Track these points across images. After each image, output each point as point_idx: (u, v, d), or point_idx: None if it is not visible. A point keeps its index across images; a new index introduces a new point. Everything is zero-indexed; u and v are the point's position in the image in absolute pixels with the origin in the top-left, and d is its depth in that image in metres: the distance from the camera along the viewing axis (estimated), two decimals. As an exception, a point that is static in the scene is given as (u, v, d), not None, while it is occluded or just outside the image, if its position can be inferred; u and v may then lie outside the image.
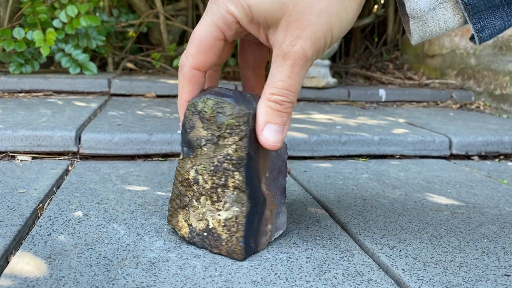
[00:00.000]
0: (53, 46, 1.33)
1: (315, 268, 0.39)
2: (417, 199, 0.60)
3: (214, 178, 0.39)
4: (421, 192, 0.63)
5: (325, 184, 0.65)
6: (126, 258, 0.40)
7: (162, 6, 1.73)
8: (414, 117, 1.18)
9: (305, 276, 0.38)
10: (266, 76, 0.39)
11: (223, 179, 0.38)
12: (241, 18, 0.35)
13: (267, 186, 0.41)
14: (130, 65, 1.69)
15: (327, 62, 1.46)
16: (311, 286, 0.37)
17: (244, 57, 0.43)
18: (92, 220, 0.48)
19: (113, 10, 1.75)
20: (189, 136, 0.39)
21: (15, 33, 1.29)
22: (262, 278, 0.37)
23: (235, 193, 0.38)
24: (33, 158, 0.73)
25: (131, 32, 1.77)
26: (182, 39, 1.87)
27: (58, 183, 0.61)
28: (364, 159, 0.83)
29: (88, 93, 1.28)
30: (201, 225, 0.40)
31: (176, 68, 1.65)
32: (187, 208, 0.41)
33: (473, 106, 1.43)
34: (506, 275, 0.40)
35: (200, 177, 0.39)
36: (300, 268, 0.39)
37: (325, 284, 0.37)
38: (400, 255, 0.43)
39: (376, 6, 1.98)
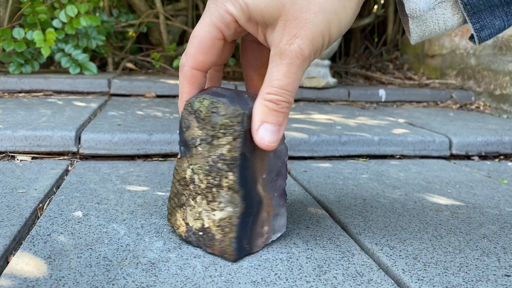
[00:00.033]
0: (53, 46, 1.33)
1: (315, 269, 0.39)
2: (417, 199, 0.60)
3: (209, 178, 0.39)
4: (421, 192, 0.63)
5: (325, 184, 0.65)
6: (126, 258, 0.40)
7: (162, 6, 1.73)
8: (414, 117, 1.18)
9: (305, 276, 0.38)
10: None
11: (217, 179, 0.38)
12: (239, 17, 0.35)
13: (264, 187, 0.40)
14: (130, 65, 1.69)
15: (327, 62, 1.46)
16: (311, 286, 0.37)
17: (246, 56, 0.43)
18: (92, 220, 0.48)
19: (113, 10, 1.75)
20: (185, 135, 0.40)
21: (15, 33, 1.29)
22: (262, 279, 0.37)
23: (229, 193, 0.38)
24: (33, 158, 0.73)
25: (131, 32, 1.77)
26: (182, 39, 1.87)
27: (58, 183, 0.61)
28: (364, 159, 0.83)
29: (88, 93, 1.28)
30: (198, 225, 0.40)
31: (176, 68, 1.65)
32: (184, 207, 0.41)
33: (473, 106, 1.43)
34: (506, 275, 0.40)
35: (196, 177, 0.39)
36: (300, 269, 0.39)
37: (325, 285, 0.37)
38: (400, 255, 0.43)
39: (376, 6, 1.98)
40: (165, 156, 0.78)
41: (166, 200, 0.55)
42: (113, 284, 0.35)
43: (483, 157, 0.91)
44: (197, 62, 0.38)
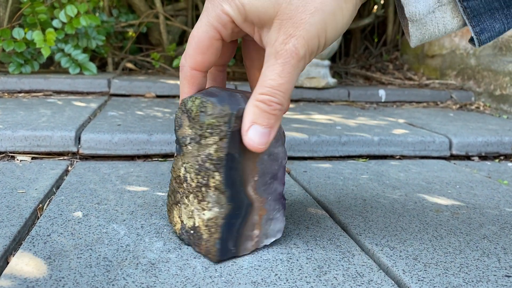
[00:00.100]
0: (53, 46, 1.33)
1: (315, 269, 0.39)
2: (417, 199, 0.60)
3: (199, 177, 0.39)
4: (421, 192, 0.63)
5: (325, 185, 0.65)
6: (126, 259, 0.40)
7: (162, 6, 1.73)
8: (414, 117, 1.18)
9: (306, 277, 0.38)
10: None
11: (205, 178, 0.38)
12: (236, 17, 0.34)
13: (256, 189, 0.40)
14: (129, 65, 1.68)
15: (327, 62, 1.46)
16: (312, 287, 0.36)
17: (249, 56, 0.42)
18: (92, 221, 0.48)
19: (113, 10, 1.75)
20: (177, 134, 0.40)
21: (14, 33, 1.29)
22: (262, 279, 0.37)
23: (216, 193, 0.38)
24: (32, 158, 0.73)
25: (130, 32, 1.77)
26: (182, 39, 1.87)
27: (57, 184, 0.61)
28: (364, 160, 0.83)
29: (88, 93, 1.28)
30: (190, 223, 0.40)
31: (176, 68, 1.65)
32: (179, 205, 0.42)
33: (473, 107, 1.43)
34: (506, 276, 0.40)
35: (188, 175, 0.40)
36: (300, 269, 0.39)
37: (325, 285, 0.37)
38: (400, 255, 0.43)
39: (376, 7, 1.98)
40: (165, 156, 0.78)
41: (166, 201, 0.55)
42: (113, 285, 0.35)
43: (483, 157, 0.91)
44: (196, 62, 0.37)
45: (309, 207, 0.55)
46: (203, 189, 0.38)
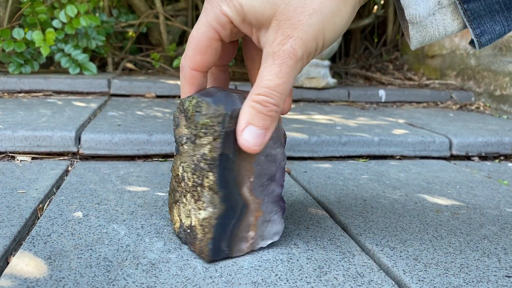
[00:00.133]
0: (52, 46, 1.33)
1: (315, 269, 0.39)
2: (417, 200, 0.60)
3: (194, 176, 0.39)
4: (421, 193, 0.63)
5: (326, 185, 0.65)
6: (126, 259, 0.40)
7: (162, 6, 1.73)
8: (414, 117, 1.18)
9: (306, 277, 0.38)
10: None
11: (200, 178, 0.38)
12: (234, 18, 0.34)
13: (251, 191, 0.40)
14: (129, 65, 1.68)
15: (327, 62, 1.46)
16: (312, 287, 0.36)
17: (250, 56, 0.42)
18: (92, 221, 0.48)
19: (113, 10, 1.75)
20: (175, 133, 0.40)
21: (14, 33, 1.29)
22: (262, 279, 0.37)
23: (210, 193, 0.38)
24: (32, 158, 0.73)
25: (130, 32, 1.77)
26: (182, 39, 1.87)
27: (58, 184, 0.60)
28: (364, 160, 0.83)
29: (88, 93, 1.28)
30: (188, 222, 0.40)
31: (176, 68, 1.65)
32: (178, 203, 0.42)
33: (473, 107, 1.43)
34: (507, 276, 0.40)
35: (185, 175, 0.40)
36: (300, 269, 0.39)
37: (325, 285, 0.37)
38: (400, 256, 0.43)
39: (376, 7, 1.98)
40: (165, 156, 0.78)
41: (167, 201, 0.55)
42: (113, 285, 0.35)
43: (483, 157, 0.91)
44: (195, 63, 0.38)
45: (309, 207, 0.55)
46: (199, 188, 0.39)
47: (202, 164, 0.38)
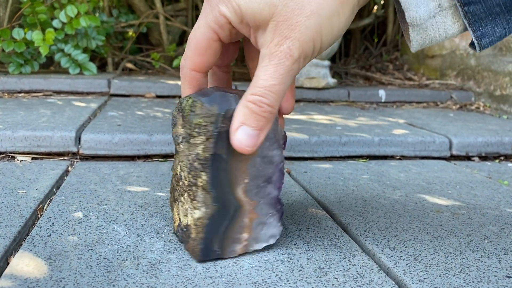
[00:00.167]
0: (52, 46, 1.33)
1: (316, 270, 0.39)
2: (417, 200, 0.60)
3: (190, 176, 0.39)
4: (421, 193, 0.63)
5: (326, 185, 0.65)
6: (127, 259, 0.40)
7: (162, 6, 1.73)
8: (414, 117, 1.18)
9: (306, 277, 0.38)
10: None
11: (195, 178, 0.38)
12: (232, 19, 0.34)
13: (246, 192, 0.39)
14: (129, 65, 1.68)
15: (327, 62, 1.46)
16: (312, 287, 0.36)
17: (251, 57, 0.42)
18: (92, 221, 0.48)
19: (113, 10, 1.74)
20: (172, 132, 0.40)
21: (14, 33, 1.29)
22: (263, 280, 0.37)
23: (203, 193, 0.38)
24: (32, 158, 0.73)
25: (130, 32, 1.77)
26: (182, 39, 1.87)
27: (58, 184, 0.60)
28: (364, 160, 0.83)
29: (88, 93, 1.28)
30: (185, 221, 0.41)
31: (176, 68, 1.65)
32: (177, 202, 0.42)
33: (473, 107, 1.43)
34: (507, 276, 0.40)
35: (182, 174, 0.40)
36: (301, 270, 0.39)
37: (326, 286, 0.37)
38: (401, 256, 0.43)
39: (376, 7, 1.98)
40: (165, 156, 0.78)
41: (167, 201, 0.55)
42: (113, 285, 0.35)
43: (484, 157, 0.91)
44: (195, 63, 0.38)
45: (310, 208, 0.55)
46: (194, 188, 0.39)
47: (196, 164, 0.38)
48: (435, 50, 1.73)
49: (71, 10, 1.33)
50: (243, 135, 0.35)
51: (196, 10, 1.85)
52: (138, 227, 0.47)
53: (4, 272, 0.37)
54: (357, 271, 0.40)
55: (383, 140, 0.85)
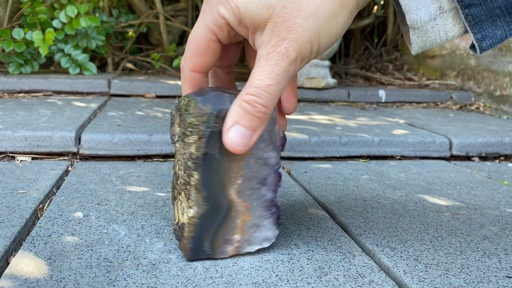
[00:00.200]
0: (52, 46, 1.33)
1: (316, 270, 0.39)
2: (417, 200, 0.60)
3: (185, 175, 0.39)
4: (421, 193, 0.63)
5: (326, 185, 0.65)
6: (127, 260, 0.40)
7: (162, 6, 1.73)
8: (414, 118, 1.18)
9: (306, 277, 0.38)
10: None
11: (189, 177, 0.38)
12: (231, 20, 0.34)
13: (238, 193, 0.39)
14: (129, 65, 1.68)
15: (327, 62, 1.46)
16: (313, 287, 0.36)
17: (253, 57, 0.42)
18: (92, 221, 0.48)
19: (113, 11, 1.75)
20: (170, 131, 0.40)
21: (14, 33, 1.29)
22: (263, 280, 0.37)
23: (195, 192, 0.38)
24: (32, 158, 0.72)
25: (130, 33, 1.77)
26: (182, 39, 1.87)
27: (58, 184, 0.60)
28: (364, 160, 0.83)
29: (88, 94, 1.28)
30: (182, 219, 0.41)
31: (176, 68, 1.65)
32: (176, 200, 0.42)
33: (473, 107, 1.43)
34: (507, 276, 0.40)
35: (179, 172, 0.40)
36: (301, 270, 0.39)
37: (326, 286, 0.37)
38: (401, 256, 0.43)
39: (376, 7, 1.98)
40: (166, 156, 0.78)
41: (167, 201, 0.55)
42: (113, 286, 0.35)
43: (484, 158, 0.91)
44: (195, 64, 0.38)
45: (310, 208, 0.55)
46: (188, 187, 0.39)
47: (189, 163, 0.38)
48: (435, 50, 1.73)
49: (71, 10, 1.33)
50: (236, 134, 0.34)
51: (196, 10, 1.85)
52: (138, 227, 0.47)
53: (4, 272, 0.37)
54: (357, 271, 0.40)
55: (383, 140, 0.85)
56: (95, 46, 1.46)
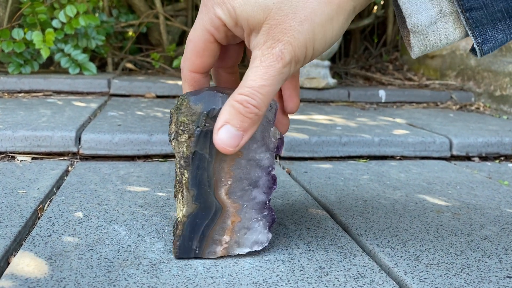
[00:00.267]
0: (52, 46, 1.33)
1: (316, 270, 0.39)
2: (418, 200, 0.60)
3: (179, 173, 0.39)
4: (422, 193, 0.63)
5: (326, 185, 0.65)
6: (127, 259, 0.40)
7: (162, 6, 1.73)
8: (414, 118, 1.18)
9: (307, 277, 0.38)
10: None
11: (181, 175, 0.39)
12: (227, 21, 0.34)
13: (228, 194, 0.39)
14: (129, 65, 1.68)
15: (327, 63, 1.46)
16: (313, 287, 0.36)
17: None
18: (93, 221, 0.48)
19: (113, 10, 1.74)
20: (168, 130, 0.40)
21: (14, 33, 1.29)
22: (264, 280, 0.37)
23: (186, 191, 0.39)
24: (33, 158, 0.72)
25: (130, 32, 1.77)
26: (182, 39, 1.87)
27: (58, 184, 0.60)
28: (364, 160, 0.83)
29: (88, 93, 1.27)
30: (178, 217, 0.41)
31: (176, 68, 1.65)
32: (177, 198, 0.42)
33: (473, 107, 1.43)
34: (508, 276, 0.40)
35: (177, 171, 0.40)
36: (301, 270, 0.39)
37: (327, 286, 0.37)
38: (401, 256, 0.43)
39: (375, 7, 1.98)
40: (166, 156, 0.78)
41: (167, 201, 0.55)
42: (114, 286, 0.35)
43: (484, 158, 0.91)
44: (194, 65, 0.38)
45: (310, 208, 0.55)
46: (181, 185, 0.39)
47: (182, 162, 0.38)
48: (435, 51, 1.73)
49: (70, 10, 1.33)
50: (226, 134, 0.34)
51: (196, 10, 1.85)
52: (138, 227, 0.47)
53: (5, 272, 0.37)
54: (358, 271, 0.40)
55: (383, 140, 0.85)
56: (95, 46, 1.46)
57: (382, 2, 1.98)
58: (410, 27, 0.34)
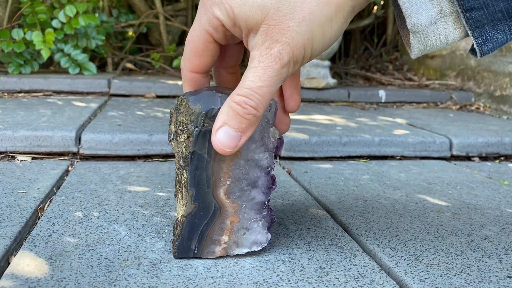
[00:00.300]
0: (52, 47, 1.33)
1: (317, 270, 0.39)
2: (418, 200, 0.60)
3: (178, 173, 0.39)
4: (422, 193, 0.63)
5: (326, 185, 0.65)
6: (128, 259, 0.40)
7: (162, 6, 1.73)
8: (414, 118, 1.18)
9: (307, 277, 0.38)
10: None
11: (181, 175, 0.39)
12: (226, 22, 0.34)
13: (227, 194, 0.39)
14: (129, 65, 1.68)
15: (327, 63, 1.46)
16: (314, 287, 0.36)
17: None
18: (93, 221, 0.48)
19: (113, 10, 1.74)
20: (168, 129, 0.40)
21: (14, 33, 1.29)
22: (264, 280, 0.37)
23: (185, 191, 0.39)
24: (33, 158, 0.72)
25: (130, 32, 1.77)
26: (182, 39, 1.87)
27: (58, 184, 0.60)
28: (364, 160, 0.83)
29: (88, 93, 1.27)
30: (178, 217, 0.41)
31: (176, 68, 1.65)
32: (177, 198, 0.42)
33: (473, 107, 1.43)
34: (508, 276, 0.40)
35: (177, 171, 0.40)
36: (302, 270, 0.39)
37: (327, 286, 0.37)
38: (402, 256, 0.43)
39: (375, 7, 1.98)
40: (166, 156, 0.78)
41: (167, 201, 0.55)
42: (114, 285, 0.35)
43: (484, 158, 0.91)
44: (193, 65, 0.38)
45: (310, 208, 0.55)
46: (181, 185, 0.39)
47: (181, 161, 0.38)
48: (435, 51, 1.73)
49: (70, 10, 1.33)
50: (224, 135, 0.34)
51: (195, 10, 1.85)
52: (139, 227, 0.47)
53: (5, 272, 0.37)
54: (358, 271, 0.40)
55: (384, 140, 0.85)
56: (94, 46, 1.46)
57: (382, 2, 1.98)
58: (410, 27, 0.34)
